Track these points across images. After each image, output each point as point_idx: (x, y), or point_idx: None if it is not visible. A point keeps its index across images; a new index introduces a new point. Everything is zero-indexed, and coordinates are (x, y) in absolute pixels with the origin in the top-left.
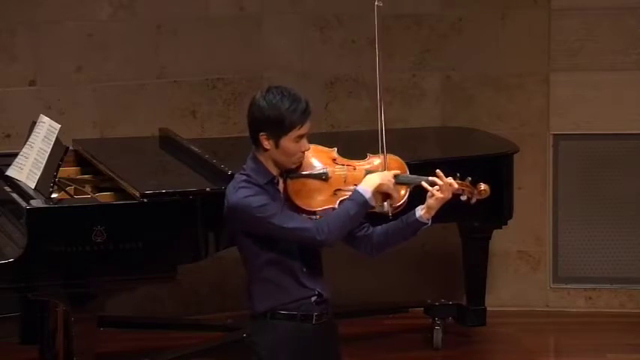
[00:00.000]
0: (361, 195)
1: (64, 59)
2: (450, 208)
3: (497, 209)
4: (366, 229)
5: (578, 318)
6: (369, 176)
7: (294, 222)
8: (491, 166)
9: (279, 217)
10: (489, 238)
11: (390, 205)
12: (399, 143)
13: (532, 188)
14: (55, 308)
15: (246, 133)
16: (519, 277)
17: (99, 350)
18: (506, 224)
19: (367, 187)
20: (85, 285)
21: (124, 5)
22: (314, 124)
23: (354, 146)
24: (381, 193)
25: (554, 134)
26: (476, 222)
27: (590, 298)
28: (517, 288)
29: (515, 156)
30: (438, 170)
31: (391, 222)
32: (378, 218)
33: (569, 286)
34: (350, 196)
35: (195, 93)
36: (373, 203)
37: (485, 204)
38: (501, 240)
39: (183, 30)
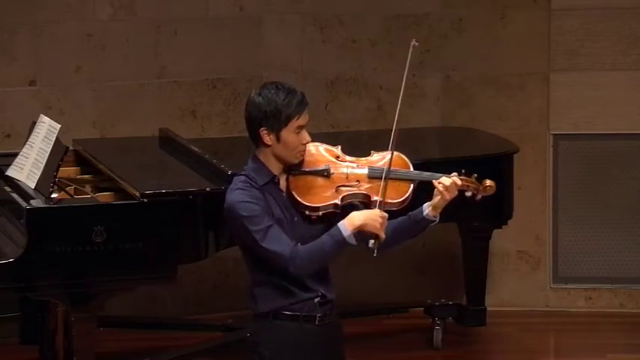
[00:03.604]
0: (340, 232)
1: (64, 59)
2: (450, 208)
3: (497, 209)
4: None
5: (578, 318)
6: (353, 214)
7: (272, 244)
8: (492, 166)
9: (262, 234)
10: (489, 238)
11: (376, 244)
12: (399, 143)
13: (532, 188)
14: (55, 308)
15: (246, 133)
16: (519, 277)
17: (99, 350)
18: (506, 224)
19: (349, 225)
20: (85, 285)
21: (124, 5)
22: (314, 125)
23: (355, 146)
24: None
25: (554, 134)
26: (476, 222)
27: (590, 298)
28: (517, 288)
29: (515, 156)
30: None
31: (399, 219)
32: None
33: (569, 286)
34: (329, 231)
35: (195, 93)
36: (353, 242)
37: (485, 204)
38: (501, 240)
39: (183, 30)
